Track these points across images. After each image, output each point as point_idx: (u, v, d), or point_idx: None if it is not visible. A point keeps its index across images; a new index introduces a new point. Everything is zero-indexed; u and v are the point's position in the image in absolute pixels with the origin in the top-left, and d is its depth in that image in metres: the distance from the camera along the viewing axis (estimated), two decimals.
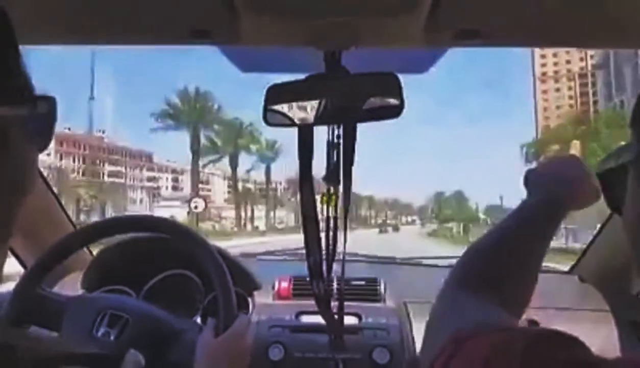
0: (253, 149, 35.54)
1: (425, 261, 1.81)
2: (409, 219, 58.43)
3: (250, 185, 39.96)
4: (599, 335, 1.21)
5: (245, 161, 36.88)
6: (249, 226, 36.80)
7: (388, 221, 50.39)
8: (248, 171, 38.25)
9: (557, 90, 56.96)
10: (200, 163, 34.29)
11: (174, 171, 45.54)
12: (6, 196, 0.40)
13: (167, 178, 45.61)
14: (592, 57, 51.44)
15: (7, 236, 0.41)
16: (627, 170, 0.44)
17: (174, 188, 45.42)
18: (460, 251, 0.71)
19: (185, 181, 45.23)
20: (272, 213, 40.02)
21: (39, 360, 0.34)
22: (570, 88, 56.41)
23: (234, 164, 34.83)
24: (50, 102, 0.44)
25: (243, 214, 37.49)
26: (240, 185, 38.66)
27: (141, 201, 39.85)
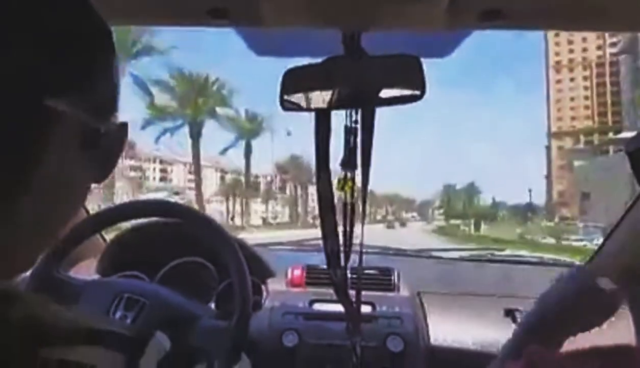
0: (222, 116, 25.83)
1: (436, 254, 1.81)
2: (410, 215, 57.56)
3: (242, 177, 33.11)
4: (613, 328, 1.20)
5: (216, 137, 30.22)
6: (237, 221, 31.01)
7: (389, 217, 49.90)
8: (223, 152, 30.50)
9: (572, 80, 55.36)
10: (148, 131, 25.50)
11: (162, 161, 42.82)
12: (44, 229, 0.37)
13: (154, 168, 42.38)
14: (613, 44, 49.61)
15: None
16: None
17: (162, 179, 43.18)
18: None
19: (176, 172, 42.97)
20: (254, 207, 34.12)
21: (60, 333, 0.34)
22: (586, 78, 54.36)
23: (194, 134, 24.81)
24: (123, 128, 0.41)
25: (231, 208, 31.75)
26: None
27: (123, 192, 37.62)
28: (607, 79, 51.44)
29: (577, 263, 1.62)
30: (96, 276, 1.24)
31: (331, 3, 0.70)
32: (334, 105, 0.80)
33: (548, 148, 50.24)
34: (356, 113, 0.83)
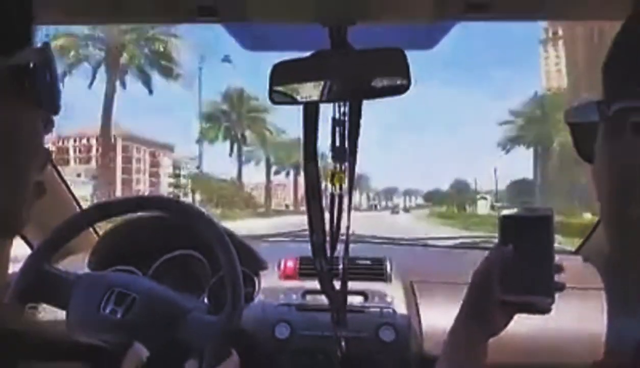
0: None
1: (431, 242, 1.82)
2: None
3: None
4: (587, 309, 1.21)
5: None
6: None
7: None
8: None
9: None
10: None
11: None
12: (21, 178, 0.36)
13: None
14: None
15: (20, 226, 0.38)
16: (597, 125, 0.42)
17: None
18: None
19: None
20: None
21: (40, 348, 0.33)
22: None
23: None
24: (45, 50, 0.38)
25: None
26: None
27: None
28: None
29: (572, 249, 1.63)
30: (87, 271, 1.24)
31: None
32: (322, 98, 0.81)
33: None
34: (344, 106, 0.84)
